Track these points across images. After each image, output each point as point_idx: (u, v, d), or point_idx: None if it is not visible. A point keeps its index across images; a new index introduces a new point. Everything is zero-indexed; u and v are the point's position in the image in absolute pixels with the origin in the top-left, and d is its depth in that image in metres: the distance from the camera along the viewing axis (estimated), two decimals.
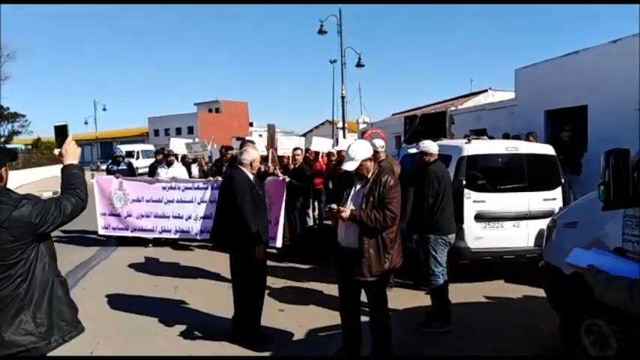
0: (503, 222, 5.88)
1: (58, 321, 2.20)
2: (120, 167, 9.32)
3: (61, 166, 2.44)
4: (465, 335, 4.44)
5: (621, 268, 1.84)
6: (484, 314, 5.03)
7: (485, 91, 17.73)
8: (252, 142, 7.41)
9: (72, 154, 2.43)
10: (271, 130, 9.21)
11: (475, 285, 5.89)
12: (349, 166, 3.55)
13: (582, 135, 9.94)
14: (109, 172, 9.24)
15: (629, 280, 1.73)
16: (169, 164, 8.81)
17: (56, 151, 2.47)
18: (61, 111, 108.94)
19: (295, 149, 7.58)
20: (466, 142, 6.12)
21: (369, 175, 3.59)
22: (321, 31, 20.73)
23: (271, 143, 8.96)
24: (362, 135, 18.02)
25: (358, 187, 3.67)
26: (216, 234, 4.65)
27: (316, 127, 48.81)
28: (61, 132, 2.51)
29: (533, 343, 4.23)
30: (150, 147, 33.04)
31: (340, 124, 29.52)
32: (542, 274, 4.28)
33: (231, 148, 9.24)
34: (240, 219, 4.15)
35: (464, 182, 5.74)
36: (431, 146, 4.74)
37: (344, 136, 22.14)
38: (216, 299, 5.60)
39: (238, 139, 12.69)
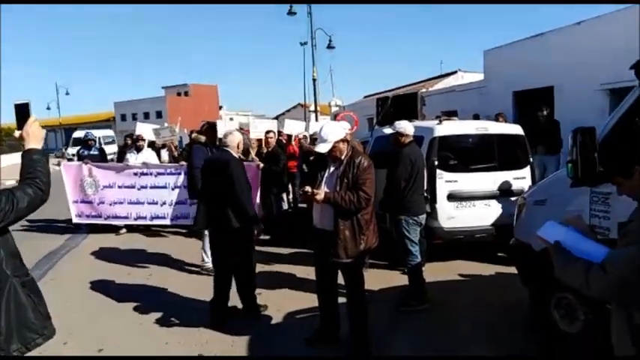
0: (475, 201, 5.99)
1: (19, 328, 1.98)
2: (91, 152, 9.07)
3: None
4: (442, 312, 4.54)
5: (587, 250, 1.76)
6: (459, 291, 5.16)
7: (455, 72, 17.94)
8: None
9: (35, 136, 2.15)
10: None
11: (448, 264, 6.02)
12: (322, 148, 3.54)
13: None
14: (79, 157, 9.00)
15: (586, 264, 1.71)
16: (139, 149, 8.59)
17: (16, 133, 2.20)
18: (21, 95, 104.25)
19: (267, 132, 7.51)
20: (437, 124, 6.18)
21: (343, 157, 3.59)
22: (290, 12, 20.42)
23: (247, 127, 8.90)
24: (334, 118, 18.04)
25: (332, 169, 3.66)
26: (208, 218, 4.60)
27: (288, 111, 48.44)
28: (22, 111, 2.24)
29: (509, 317, 4.36)
30: (109, 132, 30.83)
31: (313, 107, 29.47)
32: (513, 250, 4.41)
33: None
34: (240, 204, 4.25)
35: (436, 163, 5.81)
36: (407, 127, 4.73)
37: (316, 119, 22.09)
38: (190, 285, 5.56)
39: (208, 123, 12.46)
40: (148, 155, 8.57)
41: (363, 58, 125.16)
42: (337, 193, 3.47)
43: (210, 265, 5.80)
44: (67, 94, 47.47)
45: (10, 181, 20.21)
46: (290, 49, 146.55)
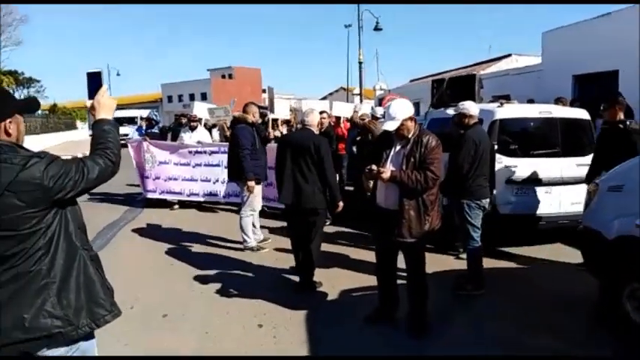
0: (535, 187, 5.79)
1: (88, 302, 1.89)
2: (153, 130, 9.56)
3: (83, 130, 2.18)
4: (500, 299, 4.44)
5: None
6: (516, 278, 5.03)
7: (509, 56, 17.24)
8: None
9: (106, 107, 2.06)
10: (270, 93, 9.14)
11: (504, 250, 5.88)
12: (390, 126, 3.48)
13: None
14: (144, 133, 9.51)
15: None
16: (193, 129, 8.80)
17: (87, 103, 2.11)
18: (74, 76, 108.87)
19: (321, 112, 7.49)
20: (498, 106, 5.98)
21: (410, 135, 3.52)
22: None
23: (271, 107, 8.94)
24: (380, 101, 17.78)
25: (398, 147, 3.60)
26: (297, 198, 4.54)
27: (330, 94, 48.24)
28: (94, 80, 2.19)
29: (572, 307, 4.21)
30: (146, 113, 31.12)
31: (356, 91, 29.20)
32: (581, 238, 4.24)
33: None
34: (329, 183, 4.51)
35: (495, 147, 5.62)
36: (471, 107, 4.59)
37: (361, 102, 21.87)
38: (244, 260, 5.70)
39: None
40: (202, 134, 8.78)
41: (408, 42, 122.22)
42: (404, 172, 3.42)
43: (252, 243, 5.97)
44: (119, 75, 49.14)
45: (67, 157, 21.41)
46: (332, 32, 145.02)
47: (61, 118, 33.64)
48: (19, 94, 44.91)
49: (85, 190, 1.89)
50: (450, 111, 4.96)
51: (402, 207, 3.47)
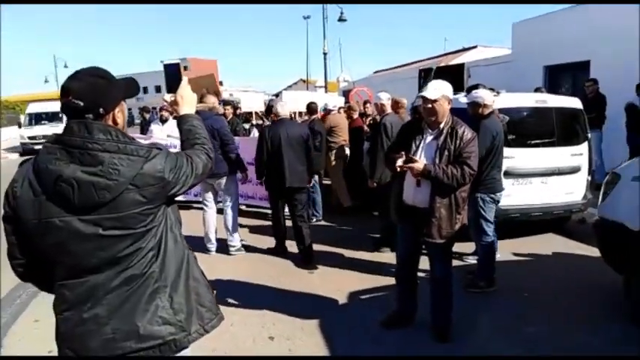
0: (532, 178, 5.71)
1: (197, 306, 1.72)
2: None
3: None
4: (517, 296, 4.27)
5: None
6: (524, 273, 4.88)
7: (475, 47, 17.42)
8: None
9: (189, 101, 1.95)
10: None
11: (501, 243, 5.76)
12: (430, 94, 3.13)
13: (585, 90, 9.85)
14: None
15: None
16: (163, 121, 8.21)
17: (167, 97, 2.01)
18: (18, 67, 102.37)
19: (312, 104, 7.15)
20: (495, 95, 5.82)
21: (442, 125, 3.22)
22: None
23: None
24: (346, 93, 17.53)
25: (429, 138, 3.28)
26: (292, 179, 5.20)
27: (290, 87, 47.66)
28: (172, 72, 2.02)
29: (588, 301, 4.11)
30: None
31: (319, 83, 28.89)
32: (597, 230, 4.13)
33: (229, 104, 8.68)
34: (309, 161, 5.40)
35: None
36: (486, 96, 4.35)
37: (326, 93, 21.56)
38: (235, 261, 5.32)
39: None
40: (173, 126, 8.18)
41: (370, 34, 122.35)
42: (438, 167, 3.12)
43: (238, 245, 5.63)
44: (66, 67, 45.95)
45: (13, 155, 19.81)
46: (288, 24, 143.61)
47: (3, 113, 31.35)
48: None
49: (192, 186, 1.74)
50: (463, 99, 4.70)
51: (432, 205, 3.18)
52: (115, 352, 1.55)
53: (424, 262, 3.60)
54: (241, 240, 5.79)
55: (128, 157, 1.51)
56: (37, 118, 21.35)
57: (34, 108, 22.61)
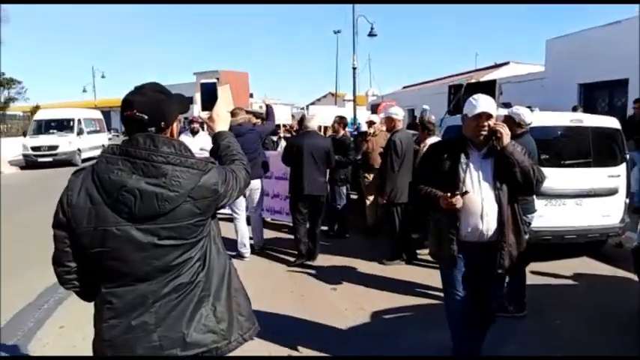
0: (566, 199, 5.51)
1: (237, 315, 1.77)
2: None
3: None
4: (543, 322, 4.09)
5: None
6: (553, 297, 4.68)
7: (507, 63, 17.15)
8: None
9: (224, 119, 2.05)
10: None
11: (533, 265, 5.55)
12: (492, 109, 2.74)
13: (623, 109, 9.55)
14: None
15: None
16: (194, 133, 8.30)
17: (204, 114, 2.11)
18: (58, 78, 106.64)
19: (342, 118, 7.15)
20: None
21: (489, 143, 2.82)
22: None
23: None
24: (375, 108, 17.49)
25: (478, 157, 2.84)
26: (310, 187, 5.56)
27: (318, 100, 47.96)
28: (208, 91, 2.20)
29: (625, 330, 3.89)
30: (96, 113, 23.48)
31: (348, 97, 28.96)
32: (636, 255, 3.93)
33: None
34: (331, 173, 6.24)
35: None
36: (526, 114, 4.10)
37: (354, 109, 21.54)
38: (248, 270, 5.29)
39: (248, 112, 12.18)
40: (204, 139, 8.26)
41: (400, 49, 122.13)
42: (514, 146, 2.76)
43: (248, 254, 5.98)
44: (103, 77, 47.81)
45: (11, 170, 18.00)
46: (319, 38, 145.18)
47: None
48: None
49: (235, 199, 1.84)
50: (504, 111, 4.49)
51: (502, 231, 2.79)
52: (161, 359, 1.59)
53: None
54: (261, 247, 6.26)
55: (188, 170, 1.58)
56: (45, 126, 19.14)
57: (43, 114, 20.68)
